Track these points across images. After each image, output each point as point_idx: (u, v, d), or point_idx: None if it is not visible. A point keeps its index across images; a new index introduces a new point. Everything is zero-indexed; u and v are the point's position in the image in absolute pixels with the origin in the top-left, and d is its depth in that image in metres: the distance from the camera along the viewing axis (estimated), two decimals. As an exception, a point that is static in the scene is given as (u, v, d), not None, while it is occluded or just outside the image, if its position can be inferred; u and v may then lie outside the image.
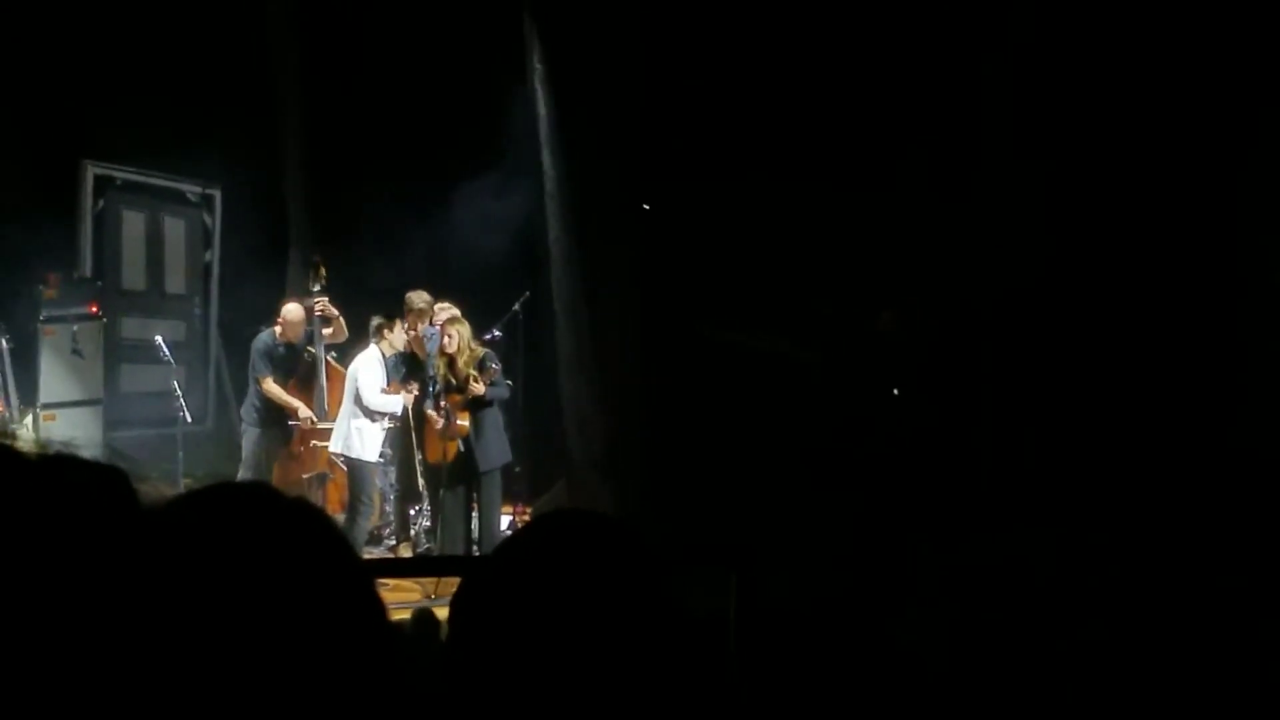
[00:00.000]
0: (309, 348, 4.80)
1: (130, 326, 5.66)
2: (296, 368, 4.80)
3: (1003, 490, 3.85)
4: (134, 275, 5.84)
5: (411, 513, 4.96)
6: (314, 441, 4.80)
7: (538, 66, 4.95)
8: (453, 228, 5.41)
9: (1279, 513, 3.17)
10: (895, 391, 4.50)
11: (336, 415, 4.66)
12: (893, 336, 4.62)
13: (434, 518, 4.68)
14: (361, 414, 4.49)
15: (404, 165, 5.64)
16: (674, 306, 4.92)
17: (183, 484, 4.51)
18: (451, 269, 5.17)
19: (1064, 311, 4.04)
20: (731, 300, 4.85)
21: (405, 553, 4.88)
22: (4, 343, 4.78)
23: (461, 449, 4.47)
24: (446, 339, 4.44)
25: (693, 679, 0.76)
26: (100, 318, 5.26)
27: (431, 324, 4.68)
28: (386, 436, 4.66)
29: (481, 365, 4.41)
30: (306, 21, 5.73)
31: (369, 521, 4.72)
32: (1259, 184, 3.86)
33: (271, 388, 4.67)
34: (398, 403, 4.58)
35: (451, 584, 0.82)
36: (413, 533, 4.93)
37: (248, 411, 4.76)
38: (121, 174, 5.68)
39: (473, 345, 4.46)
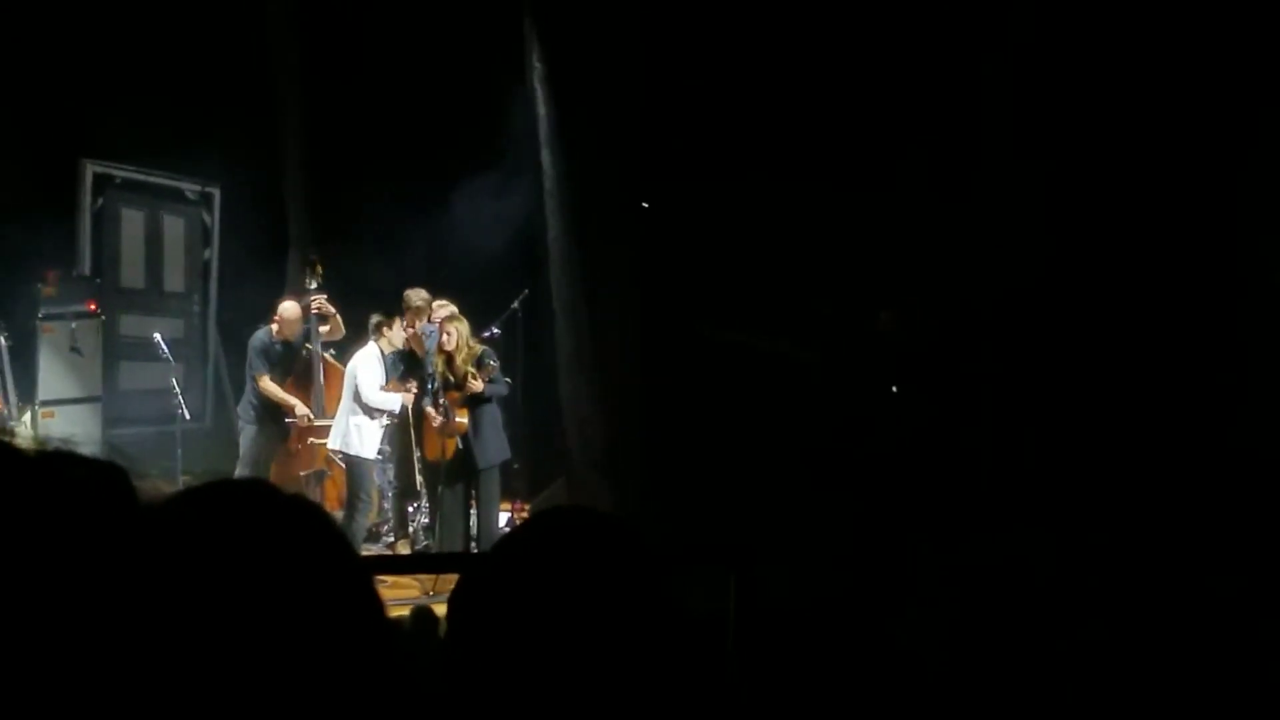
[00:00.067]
0: (307, 345, 4.81)
1: (129, 324, 5.66)
2: (294, 365, 4.81)
3: (1002, 490, 3.85)
4: (133, 273, 5.84)
5: (410, 510, 4.97)
6: (311, 439, 4.81)
7: (537, 66, 4.95)
8: (452, 227, 5.41)
9: (1278, 513, 3.17)
10: (894, 390, 4.50)
11: (334, 412, 4.67)
12: (892, 336, 4.62)
13: (432, 515, 4.68)
14: (360, 411, 4.50)
15: (403, 164, 5.65)
16: (673, 306, 4.92)
17: (181, 481, 4.52)
18: (451, 268, 5.17)
19: (1063, 311, 4.04)
20: (731, 300, 4.85)
21: (403, 550, 4.88)
22: (3, 340, 4.78)
23: (460, 446, 4.48)
24: (445, 336, 4.45)
25: (691, 677, 0.76)
26: (99, 315, 5.26)
27: (430, 322, 4.69)
28: (385, 434, 4.67)
29: (480, 363, 4.42)
30: (306, 21, 5.73)
31: (367, 518, 4.72)
32: (1259, 184, 3.86)
33: (268, 385, 4.68)
34: (396, 400, 4.59)
35: (450, 581, 0.81)
36: (411, 530, 4.94)
37: (245, 409, 4.77)
38: (121, 172, 5.69)
39: (471, 343, 4.47)
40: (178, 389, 4.92)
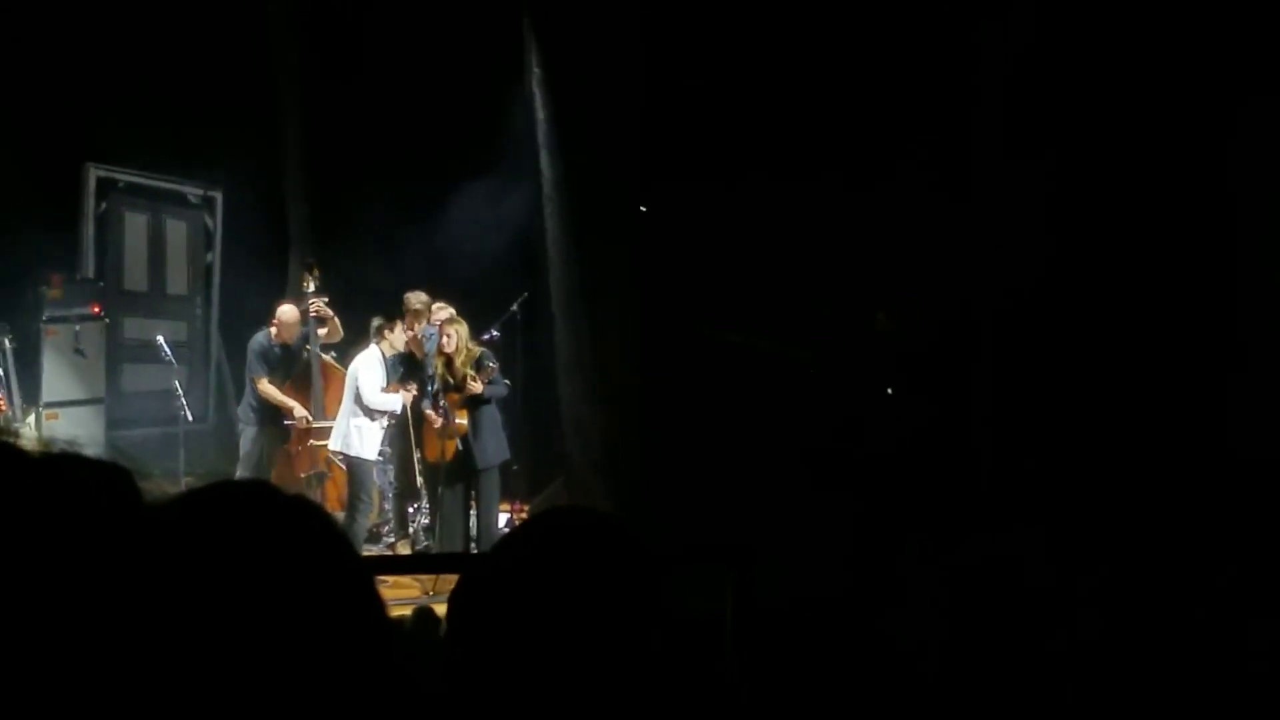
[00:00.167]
0: (307, 347, 4.83)
1: (132, 327, 5.68)
2: (293, 368, 4.83)
3: (999, 490, 3.86)
4: (136, 276, 5.87)
5: (410, 510, 4.98)
6: (311, 440, 4.82)
7: (536, 69, 4.97)
8: (452, 229, 5.42)
9: (1276, 514, 3.17)
10: (890, 391, 4.51)
11: (334, 414, 4.69)
12: (890, 337, 4.63)
13: (432, 515, 4.70)
14: (361, 413, 4.52)
15: (403, 167, 5.66)
16: (672, 307, 4.93)
17: (184, 482, 4.53)
18: (451, 270, 5.18)
19: (1062, 312, 4.04)
20: (729, 301, 4.86)
21: (404, 550, 4.90)
22: (7, 342, 4.79)
23: (460, 447, 4.50)
24: (445, 339, 4.47)
25: (690, 676, 0.77)
26: (103, 318, 5.28)
27: (430, 324, 4.70)
28: (385, 435, 4.69)
29: (479, 364, 4.44)
30: (307, 25, 5.75)
31: (368, 519, 4.73)
32: (1259, 183, 3.86)
33: (266, 388, 4.71)
34: (397, 402, 4.60)
35: (450, 581, 0.82)
36: (411, 530, 4.95)
37: (244, 411, 4.80)
38: (124, 176, 5.71)
39: (470, 345, 4.49)
40: (180, 391, 4.94)
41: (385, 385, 4.60)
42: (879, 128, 4.60)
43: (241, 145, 5.62)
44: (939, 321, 4.59)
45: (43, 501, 0.64)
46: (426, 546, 4.73)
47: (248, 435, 4.76)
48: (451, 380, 4.48)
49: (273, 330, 4.76)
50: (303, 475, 4.79)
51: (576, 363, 5.03)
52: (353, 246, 5.49)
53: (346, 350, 4.91)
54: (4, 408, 4.64)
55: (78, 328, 5.12)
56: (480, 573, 0.76)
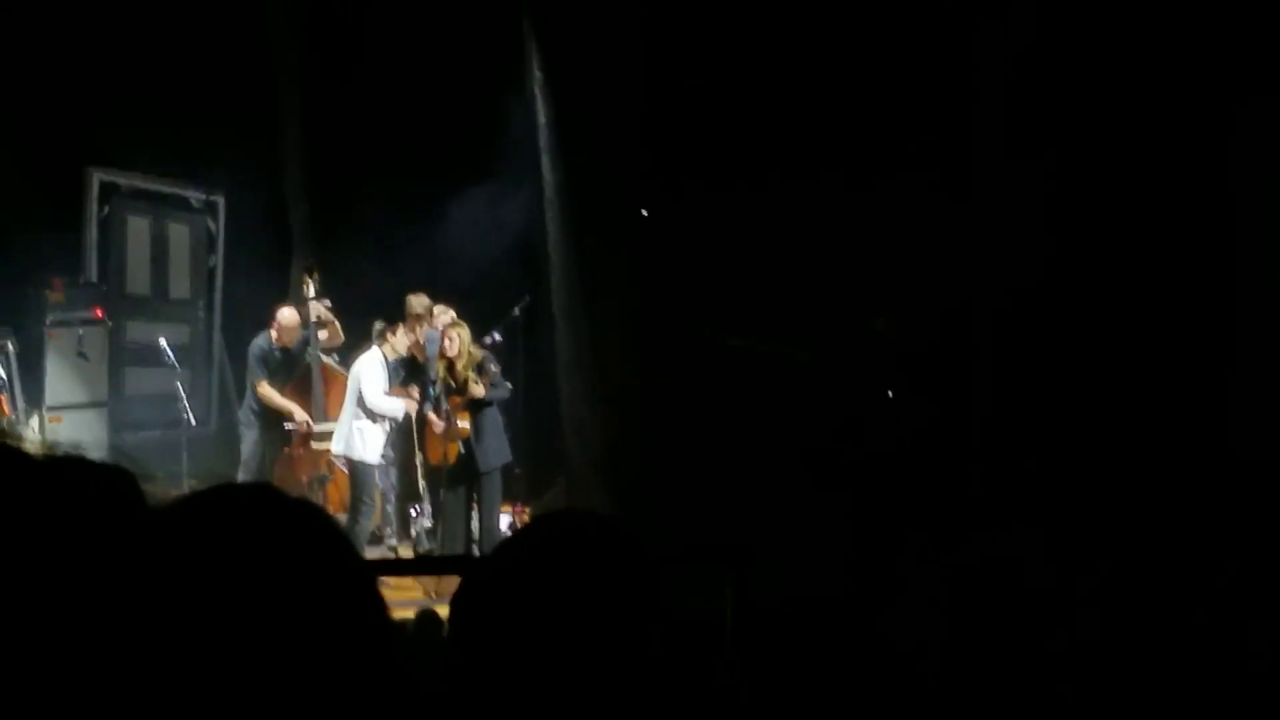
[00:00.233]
0: (310, 350, 4.85)
1: (135, 330, 5.69)
2: (293, 372, 4.84)
3: (999, 490, 3.86)
4: (138, 280, 5.88)
5: (412, 513, 4.99)
6: (312, 443, 4.84)
7: (537, 72, 4.99)
8: (453, 232, 5.43)
9: (1273, 514, 3.17)
10: (890, 393, 4.51)
11: (335, 417, 4.70)
12: (889, 338, 4.63)
13: (434, 518, 4.71)
14: (363, 415, 4.53)
15: (404, 170, 5.67)
16: (672, 309, 4.94)
17: (187, 485, 4.54)
18: (452, 273, 5.19)
19: (1062, 312, 4.04)
20: (729, 303, 4.87)
21: (405, 552, 4.91)
22: (11, 346, 4.80)
23: (462, 450, 4.51)
24: (447, 342, 4.49)
25: (690, 677, 0.77)
26: (105, 322, 5.29)
27: (432, 328, 4.72)
28: (388, 438, 4.70)
29: (480, 367, 4.46)
30: (307, 28, 5.76)
31: (370, 522, 4.75)
32: (1259, 183, 3.86)
33: (266, 391, 4.72)
34: (399, 405, 4.61)
35: (452, 583, 0.82)
36: (413, 533, 4.96)
37: (245, 414, 4.82)
38: (126, 180, 5.73)
39: (472, 348, 4.51)
40: (183, 394, 4.96)
41: (387, 388, 4.61)
42: (878, 129, 4.61)
43: (243, 149, 5.63)
44: (938, 322, 4.59)
45: (48, 504, 0.65)
46: (429, 549, 4.74)
47: (249, 439, 4.78)
48: (453, 383, 4.49)
49: (273, 334, 4.77)
50: (304, 479, 4.81)
51: (577, 365, 5.04)
52: (354, 250, 5.50)
53: (349, 353, 4.92)
54: (7, 411, 4.66)
55: (81, 331, 5.13)
56: (482, 575, 0.77)
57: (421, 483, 4.81)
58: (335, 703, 0.61)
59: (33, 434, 4.70)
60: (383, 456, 4.76)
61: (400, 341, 4.69)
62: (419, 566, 4.09)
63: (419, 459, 4.76)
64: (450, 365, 4.50)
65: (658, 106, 4.88)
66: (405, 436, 4.86)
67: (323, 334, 4.87)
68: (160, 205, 5.95)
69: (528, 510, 5.10)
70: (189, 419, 4.93)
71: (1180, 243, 3.92)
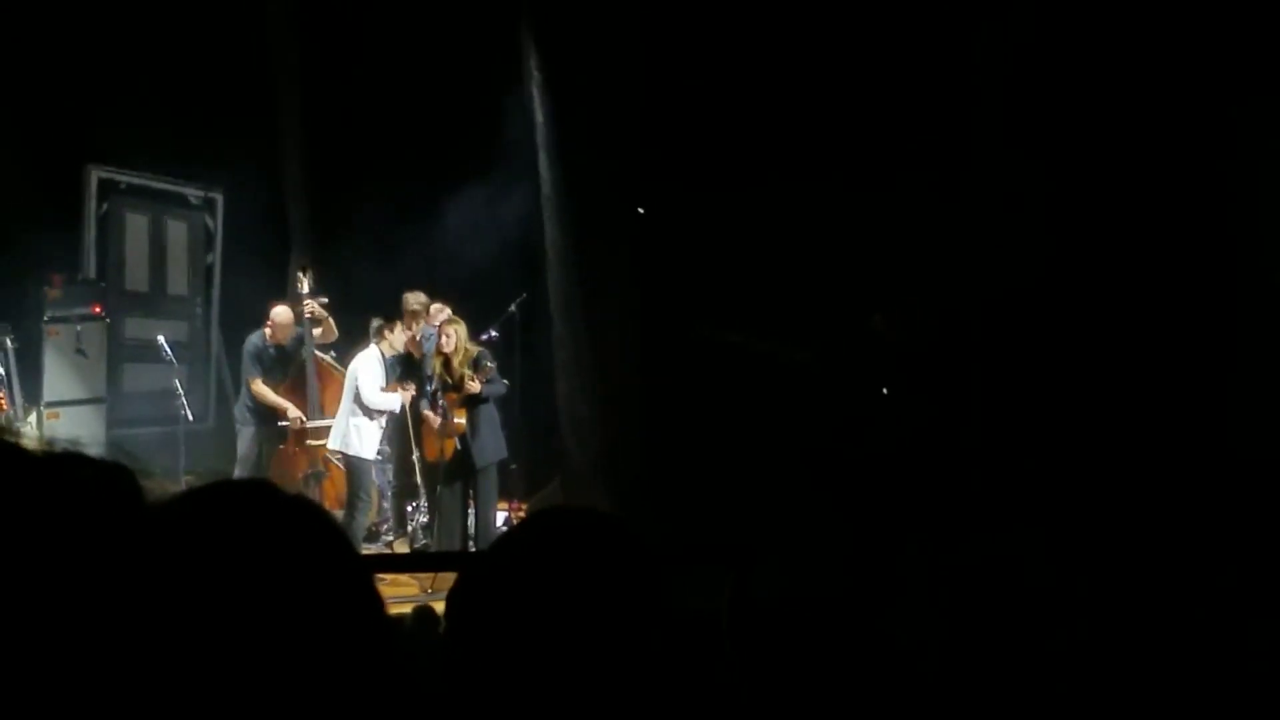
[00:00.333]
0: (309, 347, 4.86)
1: (133, 327, 5.70)
2: (288, 369, 4.85)
3: (999, 490, 3.86)
4: (137, 277, 5.89)
5: (409, 509, 5.00)
6: (308, 440, 4.85)
7: (535, 72, 4.99)
8: (451, 230, 5.45)
9: (1273, 514, 3.18)
10: (885, 391, 4.52)
11: (329, 414, 4.70)
12: (886, 337, 4.64)
13: (431, 514, 4.71)
14: (360, 412, 4.54)
15: (403, 168, 5.68)
16: (670, 308, 4.94)
17: (184, 481, 4.55)
18: (449, 271, 5.21)
19: (1061, 312, 4.05)
20: (727, 301, 4.87)
21: (402, 548, 4.92)
22: (9, 342, 4.81)
23: (459, 446, 4.52)
24: (444, 338, 4.50)
25: (688, 675, 0.77)
26: (104, 318, 5.29)
27: (429, 325, 4.73)
28: (384, 434, 4.71)
29: (476, 364, 4.47)
30: (307, 27, 5.77)
31: (367, 518, 4.76)
32: (1257, 183, 3.86)
33: (260, 389, 4.73)
34: (396, 401, 4.63)
35: (448, 579, 0.83)
36: (410, 529, 4.97)
37: (240, 411, 4.84)
38: (125, 178, 5.74)
39: (468, 345, 4.52)
40: (181, 390, 4.97)
41: (384, 385, 4.62)
42: (877, 129, 4.61)
43: (242, 147, 5.64)
44: (938, 321, 4.59)
45: (47, 500, 0.64)
46: (425, 545, 4.74)
47: (245, 435, 4.80)
48: (450, 380, 4.51)
49: (267, 331, 4.78)
50: (300, 475, 4.81)
51: (574, 363, 5.05)
52: (352, 247, 5.51)
53: (346, 350, 4.93)
54: (6, 407, 4.66)
55: (79, 328, 5.13)
56: (479, 571, 0.77)
57: (418, 479, 4.81)
58: (332, 699, 0.61)
59: (31, 430, 4.70)
60: (379, 453, 4.77)
61: (397, 338, 4.70)
62: (415, 563, 4.10)
63: (416, 455, 4.77)
64: (446, 361, 4.51)
65: (655, 105, 4.88)
66: (402, 433, 4.88)
67: (317, 331, 4.88)
68: (159, 202, 5.96)
69: (524, 507, 5.11)
70: (187, 415, 4.94)
71: (1179, 242, 3.93)
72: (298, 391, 4.87)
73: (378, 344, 4.69)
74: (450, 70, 5.52)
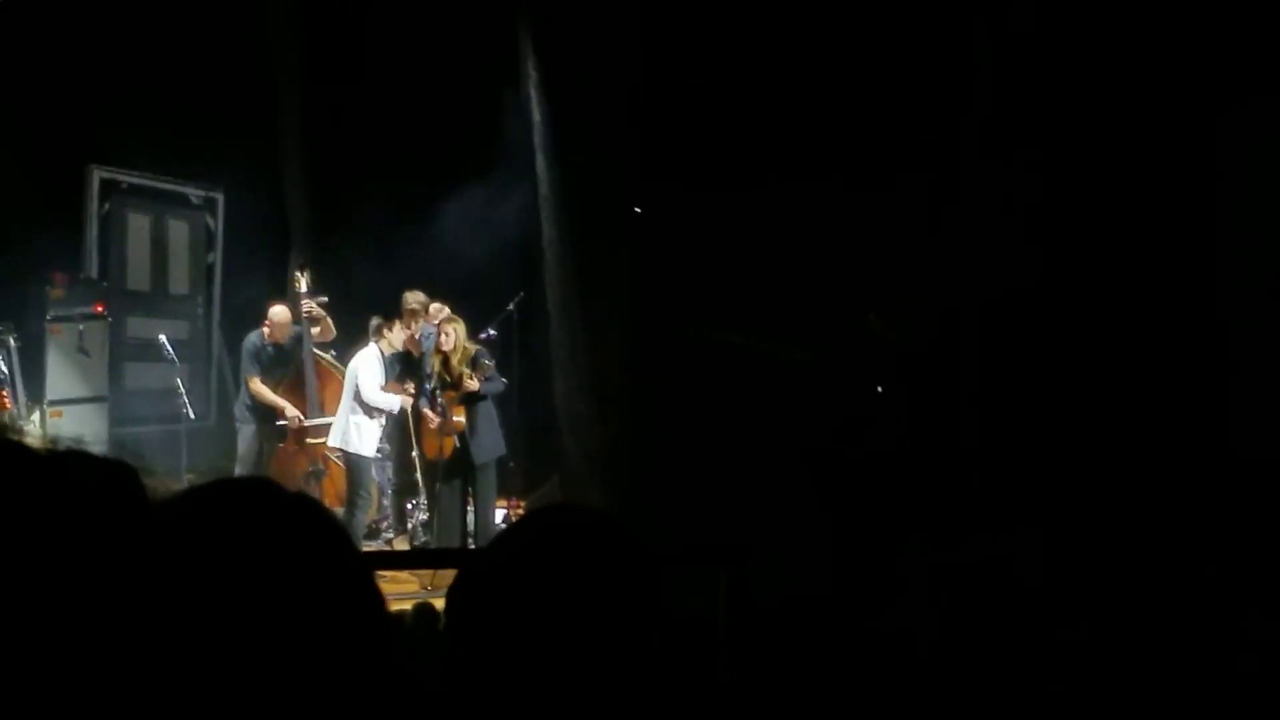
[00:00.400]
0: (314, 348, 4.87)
1: (135, 326, 5.72)
2: (286, 368, 4.87)
3: (996, 491, 3.87)
4: (138, 276, 5.91)
5: (409, 506, 5.02)
6: (307, 439, 4.86)
7: (532, 72, 5.00)
8: (449, 230, 5.46)
9: (1266, 512, 3.18)
10: (880, 390, 4.52)
11: (328, 412, 4.72)
12: (882, 337, 4.64)
13: (430, 511, 4.73)
14: (360, 410, 4.56)
15: (401, 169, 5.70)
16: (666, 307, 4.95)
17: (186, 479, 4.56)
18: (448, 270, 5.22)
19: (1057, 312, 4.05)
20: (724, 301, 4.88)
21: (402, 546, 4.94)
22: (12, 341, 4.82)
23: (458, 444, 4.53)
24: (443, 337, 4.52)
25: (684, 671, 0.78)
26: (106, 317, 5.31)
27: (429, 323, 4.74)
28: (384, 432, 4.72)
29: (474, 362, 4.49)
30: (306, 28, 5.78)
31: (367, 515, 4.78)
32: (1248, 184, 3.87)
33: (258, 388, 4.75)
34: (395, 400, 4.65)
35: (448, 576, 0.84)
36: (410, 526, 4.99)
37: (240, 410, 4.85)
38: (126, 178, 5.76)
39: (467, 344, 4.53)
40: (182, 389, 4.99)
41: (384, 383, 4.63)
42: (874, 131, 4.62)
43: (243, 147, 5.66)
44: (936, 321, 4.60)
45: (51, 498, 0.64)
46: (425, 542, 4.76)
47: (245, 434, 4.81)
48: (448, 378, 4.53)
49: (266, 330, 4.79)
50: (299, 473, 4.83)
51: (572, 361, 5.06)
52: (352, 247, 5.53)
53: (345, 349, 4.94)
54: (9, 405, 4.67)
55: (81, 327, 5.15)
56: (478, 568, 0.77)
57: (418, 476, 4.83)
58: (334, 695, 0.61)
59: (34, 428, 4.71)
60: (379, 450, 4.79)
61: (397, 337, 4.72)
62: (415, 560, 4.11)
63: (415, 453, 4.79)
64: (445, 360, 4.53)
65: (653, 105, 4.88)
66: (402, 431, 4.89)
67: (315, 330, 4.90)
68: (160, 202, 5.98)
69: (523, 505, 5.12)
70: (188, 413, 4.96)
71: (1177, 242, 3.93)
72: (297, 390, 4.88)
73: (377, 342, 4.71)
74: (449, 71, 5.53)
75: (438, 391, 4.55)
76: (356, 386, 4.56)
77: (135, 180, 5.79)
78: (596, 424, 4.99)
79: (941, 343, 4.47)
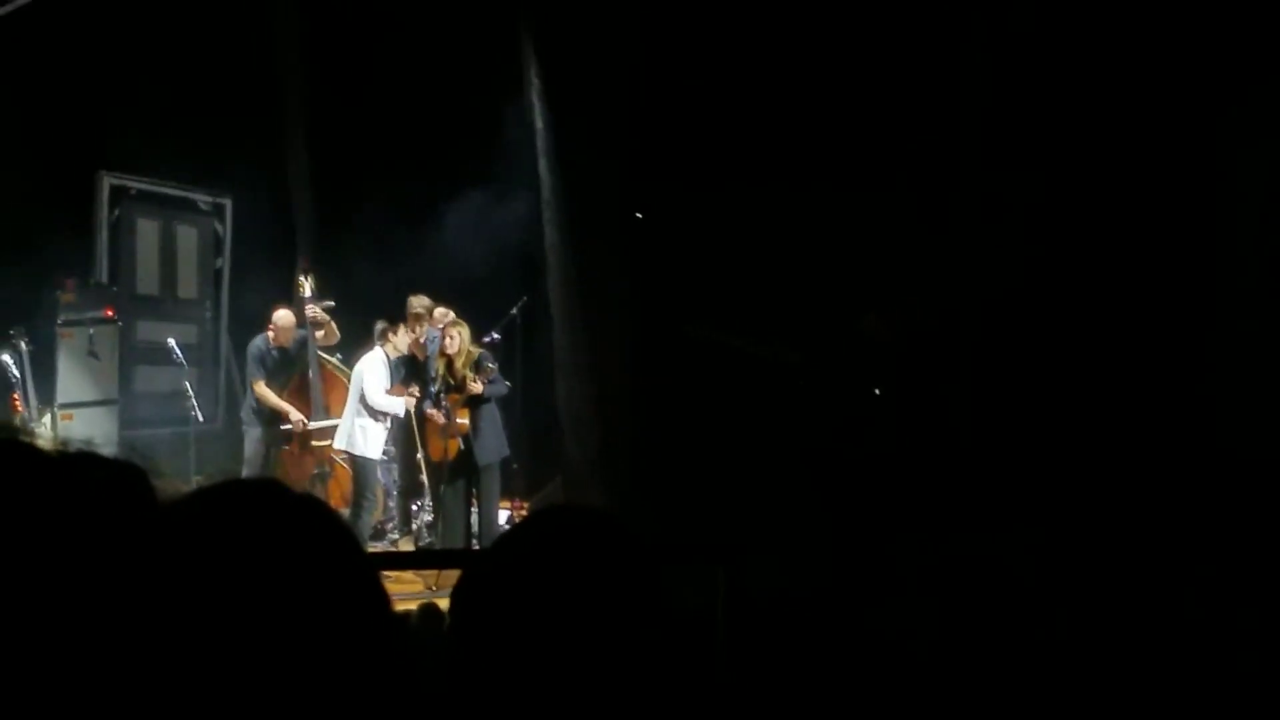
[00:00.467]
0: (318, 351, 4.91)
1: (144, 330, 5.77)
2: (291, 371, 4.91)
3: (991, 490, 3.87)
4: (148, 281, 5.96)
5: (414, 508, 5.05)
6: (312, 441, 4.90)
7: (534, 79, 5.03)
8: (453, 234, 5.50)
9: (1262, 511, 3.18)
10: (876, 391, 4.53)
11: (334, 414, 4.76)
12: (879, 338, 4.65)
13: (435, 512, 4.76)
14: (365, 413, 4.60)
15: (406, 174, 5.74)
16: (666, 311, 4.97)
17: (195, 481, 4.61)
18: (452, 274, 5.25)
19: (1052, 311, 4.05)
20: (724, 304, 4.89)
21: (406, 546, 4.97)
22: (24, 345, 4.87)
23: (462, 446, 4.57)
24: (447, 340, 4.56)
25: (684, 670, 0.79)
26: (116, 321, 5.35)
27: (433, 327, 4.78)
28: (389, 434, 4.76)
29: (478, 365, 4.53)
30: (312, 38, 5.83)
31: (372, 517, 4.81)
32: (1244, 186, 3.86)
33: (263, 391, 4.78)
34: (400, 403, 4.68)
35: (452, 577, 0.83)
36: (414, 527, 5.02)
37: (246, 413, 4.89)
38: (136, 184, 5.82)
39: (470, 347, 4.57)
40: (191, 392, 5.03)
41: (389, 386, 4.67)
42: (873, 131, 4.62)
43: (250, 154, 5.71)
44: (931, 322, 4.60)
45: (62, 499, 0.65)
46: (429, 543, 4.79)
47: (251, 436, 4.85)
48: (452, 381, 4.56)
49: (270, 334, 4.83)
50: (307, 477, 4.87)
51: (574, 365, 5.08)
52: (357, 251, 5.57)
53: (350, 353, 4.98)
54: (21, 409, 4.72)
55: (92, 331, 5.20)
56: (482, 569, 0.78)
57: (423, 478, 4.86)
58: (340, 694, 0.62)
59: (45, 431, 4.76)
60: (384, 453, 4.83)
61: (401, 340, 4.76)
62: (420, 561, 4.14)
63: (420, 455, 4.82)
64: (449, 363, 4.56)
65: (653, 110, 4.91)
66: (407, 433, 4.92)
67: (319, 334, 4.94)
68: (169, 208, 6.04)
69: (526, 506, 5.15)
70: (197, 416, 5.00)
71: (1173, 243, 3.93)
72: (301, 394, 4.92)
73: (382, 346, 4.75)
74: (451, 77, 5.57)
75: (442, 394, 4.59)
76: (362, 390, 4.60)
77: (144, 186, 5.85)
78: (597, 426, 5.01)
79: (939, 343, 4.47)
